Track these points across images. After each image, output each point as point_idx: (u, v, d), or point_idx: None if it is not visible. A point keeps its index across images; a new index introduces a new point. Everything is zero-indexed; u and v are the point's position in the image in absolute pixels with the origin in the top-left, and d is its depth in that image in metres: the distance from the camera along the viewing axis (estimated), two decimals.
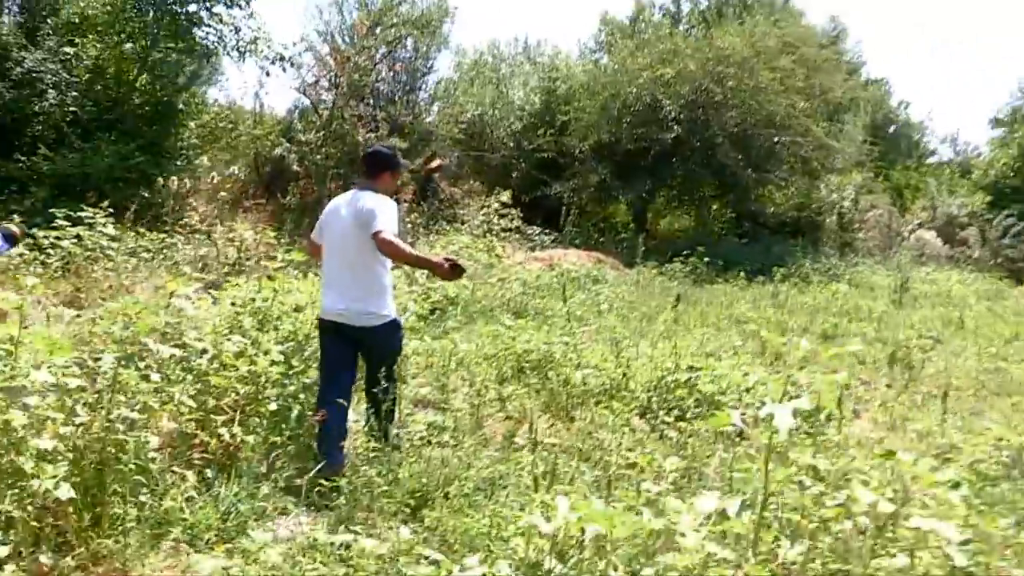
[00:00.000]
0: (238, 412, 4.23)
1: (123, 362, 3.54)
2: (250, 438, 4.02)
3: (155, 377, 3.64)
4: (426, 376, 6.71)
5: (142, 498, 3.38)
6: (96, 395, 3.44)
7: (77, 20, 15.62)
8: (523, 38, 30.82)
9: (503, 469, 4.29)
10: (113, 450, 3.21)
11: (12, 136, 14.24)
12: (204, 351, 4.26)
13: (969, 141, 52.34)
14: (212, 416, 4.05)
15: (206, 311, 6.04)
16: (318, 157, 16.23)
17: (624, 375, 6.19)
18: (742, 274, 16.48)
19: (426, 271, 6.02)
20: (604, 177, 21.57)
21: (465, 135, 22.90)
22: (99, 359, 3.53)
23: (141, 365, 3.78)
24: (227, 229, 12.01)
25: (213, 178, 16.61)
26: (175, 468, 3.71)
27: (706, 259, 17.31)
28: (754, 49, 20.44)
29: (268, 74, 16.18)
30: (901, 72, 73.30)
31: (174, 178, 14.32)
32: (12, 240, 2.88)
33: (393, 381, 4.62)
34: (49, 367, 3.22)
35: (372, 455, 4.21)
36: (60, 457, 3.05)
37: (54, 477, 2.86)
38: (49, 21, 15.58)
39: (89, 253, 9.30)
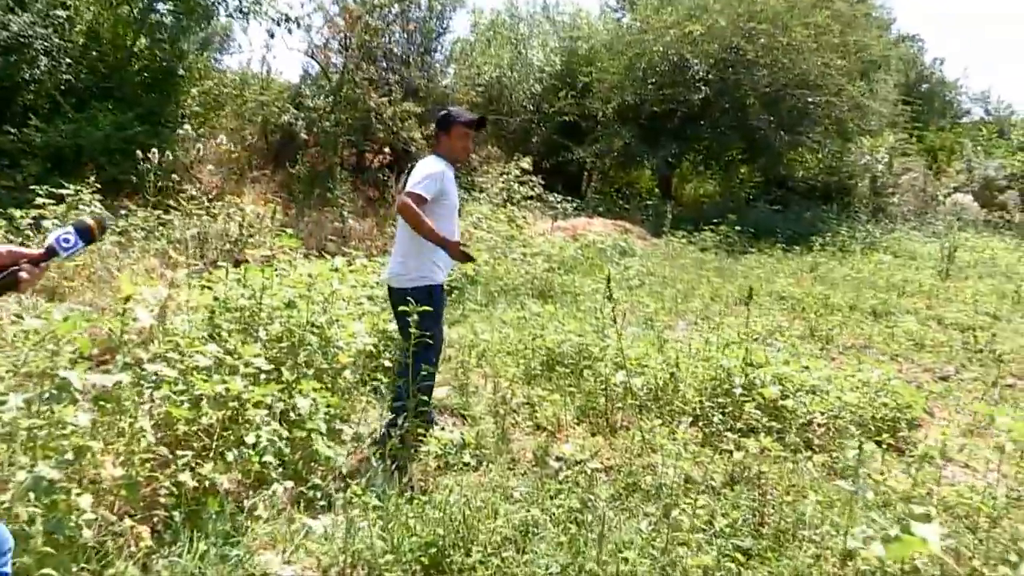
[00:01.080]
0: (215, 439, 3.45)
1: (44, 399, 2.75)
2: (223, 479, 3.24)
3: (83, 420, 2.82)
4: (442, 373, 5.90)
5: None
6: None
7: None
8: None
9: (536, 515, 3.47)
10: (25, 526, 2.41)
11: (3, 106, 13.42)
12: (155, 376, 3.46)
13: (1003, 99, 50.81)
14: (177, 451, 3.26)
15: (194, 302, 5.27)
16: (327, 124, 15.33)
17: (672, 375, 5.35)
18: (778, 244, 15.57)
19: None
20: (628, 141, 20.59)
21: (482, 98, 21.96)
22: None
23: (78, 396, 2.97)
24: (227, 203, 11.19)
25: (220, 146, 15.73)
26: (129, 518, 2.93)
27: (737, 227, 16.42)
28: (787, 3, 19.29)
29: (272, 35, 15.33)
30: (932, 28, 71.13)
31: (170, 149, 13.49)
32: (88, 235, 2.10)
33: (417, 363, 4.31)
34: None
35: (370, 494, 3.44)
36: None
37: None
38: None
39: None
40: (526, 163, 18.00)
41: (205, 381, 3.46)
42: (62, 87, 13.97)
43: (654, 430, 4.63)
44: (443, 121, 4.92)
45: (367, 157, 19.18)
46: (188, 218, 10.37)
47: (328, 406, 4.01)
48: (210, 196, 13.06)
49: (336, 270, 7.89)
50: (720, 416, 5.02)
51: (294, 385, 4.08)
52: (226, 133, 17.20)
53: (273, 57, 26.97)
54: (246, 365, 3.79)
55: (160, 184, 11.81)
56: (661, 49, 19.79)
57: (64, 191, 8.67)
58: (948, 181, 27.83)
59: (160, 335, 4.22)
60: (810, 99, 19.79)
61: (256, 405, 3.56)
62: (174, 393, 3.47)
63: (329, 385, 4.73)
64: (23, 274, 2.05)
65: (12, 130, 12.84)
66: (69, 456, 2.78)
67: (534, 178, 17.65)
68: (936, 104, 35.28)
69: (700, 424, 4.99)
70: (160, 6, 14.55)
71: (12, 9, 13.65)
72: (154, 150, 10.54)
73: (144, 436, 3.06)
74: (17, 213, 8.26)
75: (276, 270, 6.70)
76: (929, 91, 35.26)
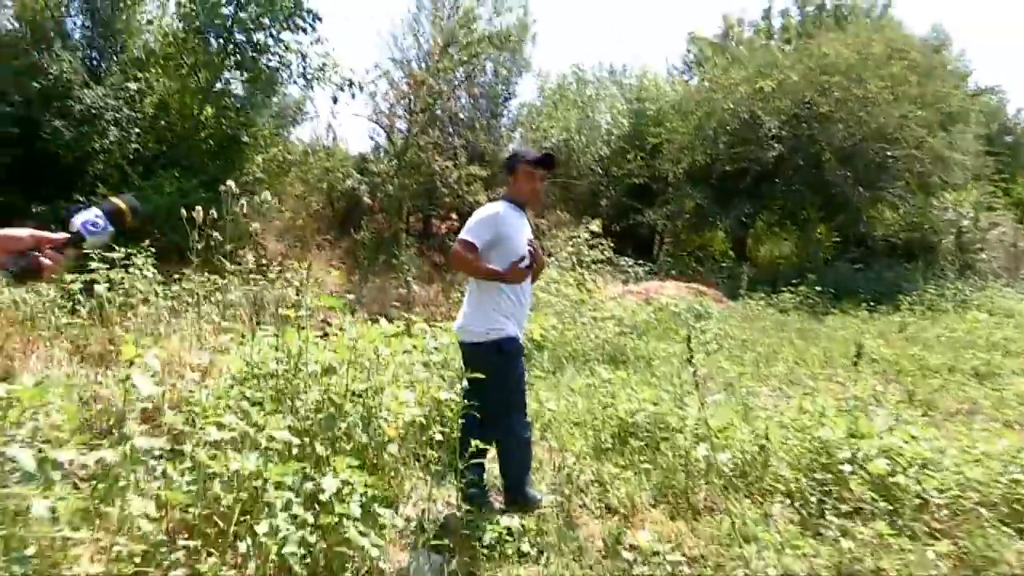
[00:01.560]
0: (231, 526, 2.98)
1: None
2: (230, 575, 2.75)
3: (39, 508, 2.34)
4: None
5: None
6: None
7: (142, 55, 14.97)
8: (608, 63, 29.53)
9: None
10: None
11: (75, 175, 13.54)
12: (155, 452, 3.00)
13: None
14: (178, 541, 2.79)
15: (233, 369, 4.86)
16: (390, 188, 15.15)
17: (762, 448, 4.73)
18: (862, 304, 14.75)
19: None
20: (700, 202, 20.08)
21: None
22: None
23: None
24: (286, 267, 10.93)
25: (285, 212, 15.69)
26: None
27: (817, 287, 15.63)
28: (860, 55, 18.69)
29: (336, 101, 15.26)
30: (1014, 79, 69.19)
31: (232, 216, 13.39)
32: (119, 219, 1.75)
33: (494, 426, 4.27)
34: None
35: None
36: None
37: None
38: (115, 58, 14.97)
39: (124, 299, 8.28)
40: (596, 225, 17.58)
41: (213, 458, 2.99)
42: (130, 156, 14.09)
43: (744, 513, 4.02)
44: (509, 162, 4.72)
45: (434, 223, 18.98)
46: (245, 283, 10.11)
47: (366, 486, 3.51)
48: (273, 264, 12.89)
49: (393, 335, 7.50)
50: (820, 496, 4.38)
51: (327, 462, 3.60)
52: (292, 200, 17.20)
53: (339, 125, 27.26)
54: (270, 439, 3.33)
55: (224, 250, 11.64)
56: (731, 107, 19.33)
57: (115, 255, 8.46)
58: None
59: (184, 405, 3.79)
60: (889, 153, 19.04)
61: (277, 486, 3.07)
62: (180, 472, 3.01)
63: (373, 461, 4.25)
64: (45, 260, 1.92)
65: (81, 198, 12.90)
66: (30, 551, 2.33)
67: (604, 241, 17.21)
68: (1021, 156, 33.89)
69: (796, 505, 4.34)
70: (227, 75, 14.64)
71: (87, 84, 13.88)
72: (212, 211, 10.34)
73: (135, 524, 2.60)
74: (68, 278, 8.07)
75: (325, 334, 6.30)
76: (1015, 142, 33.90)
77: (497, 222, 4.35)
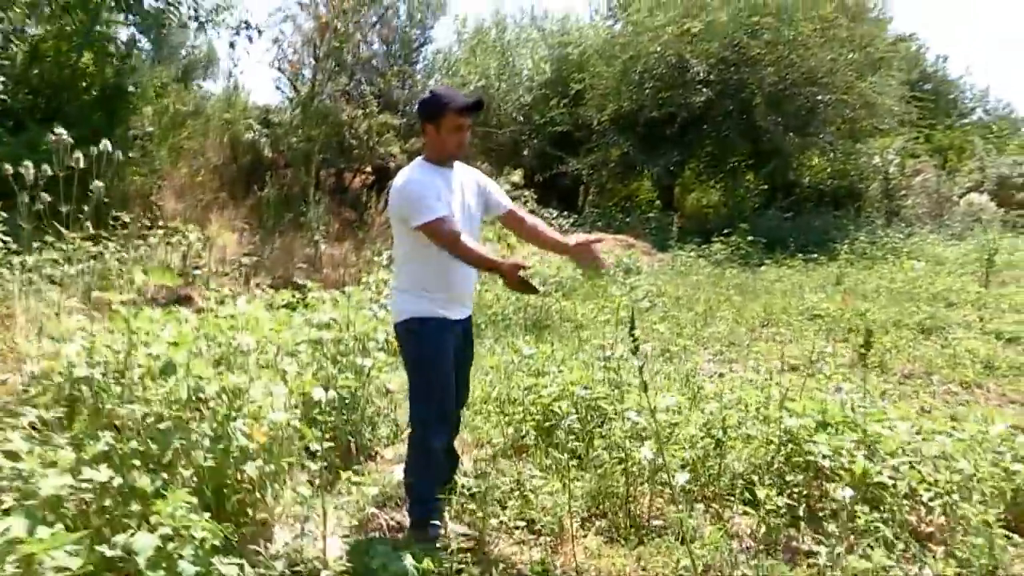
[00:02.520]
0: None
1: None
2: None
3: None
4: (403, 440, 4.47)
5: None
6: None
7: None
8: (529, 8, 28.33)
9: None
10: None
11: None
12: None
13: (1001, 98, 49.59)
14: None
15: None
16: (293, 139, 13.92)
17: (718, 443, 3.90)
18: (797, 255, 14.15)
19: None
20: (626, 150, 19.25)
21: None
22: None
23: None
24: (171, 230, 9.78)
25: (179, 169, 14.36)
26: None
27: (748, 237, 14.99)
28: None
29: (233, 46, 13.89)
30: (930, 28, 69.78)
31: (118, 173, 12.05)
32: None
33: (417, 419, 3.57)
34: None
35: None
36: None
37: None
38: None
39: None
40: (517, 176, 16.73)
41: None
42: (1, 110, 12.59)
43: (701, 531, 3.19)
44: (429, 108, 3.54)
45: (347, 178, 17.76)
46: (124, 249, 8.91)
47: (206, 533, 2.57)
48: (168, 226, 11.71)
49: (285, 306, 6.47)
50: (789, 501, 3.57)
51: (154, 501, 2.64)
52: (191, 156, 15.84)
53: (240, 72, 25.64)
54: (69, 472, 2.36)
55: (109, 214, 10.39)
56: (658, 50, 18.40)
57: None
58: (961, 181, 26.44)
59: None
60: (819, 97, 18.40)
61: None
62: None
63: (230, 483, 3.30)
64: None
65: None
66: None
67: (526, 192, 16.34)
68: (941, 103, 33.88)
69: (763, 515, 3.51)
70: (107, 16, 13.10)
71: None
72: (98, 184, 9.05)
73: None
74: None
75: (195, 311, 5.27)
76: (933, 90, 33.83)
77: (436, 189, 3.44)
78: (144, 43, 14.70)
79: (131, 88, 13.28)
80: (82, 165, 5.88)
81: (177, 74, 18.15)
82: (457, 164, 3.68)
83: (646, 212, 20.04)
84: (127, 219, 9.01)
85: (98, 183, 5.37)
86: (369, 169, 17.63)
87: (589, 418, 4.47)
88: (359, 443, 4.65)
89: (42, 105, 13.05)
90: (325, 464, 3.82)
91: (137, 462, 3.02)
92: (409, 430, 3.62)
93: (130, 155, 13.07)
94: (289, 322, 5.59)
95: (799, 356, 7.34)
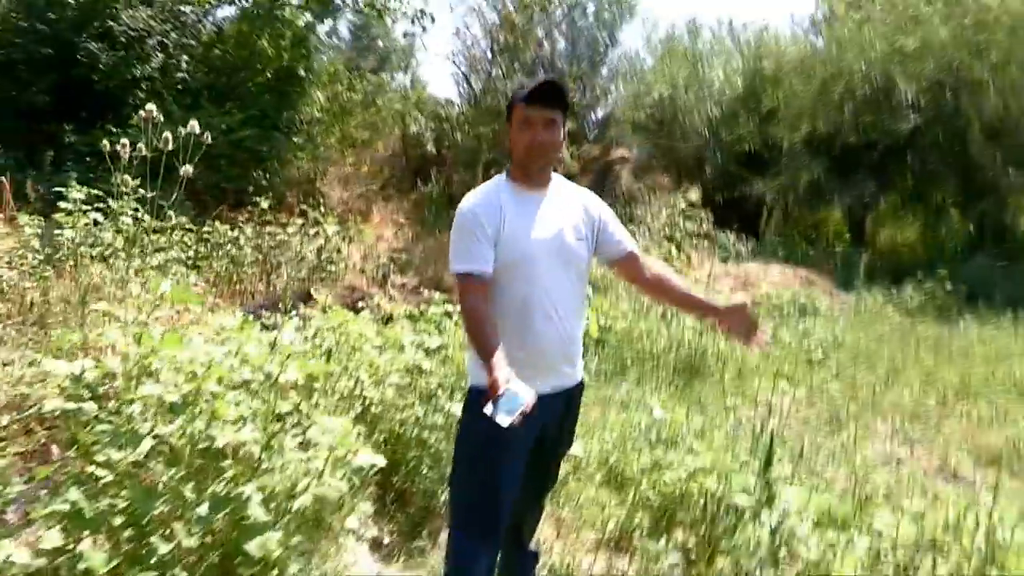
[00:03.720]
0: None
1: None
2: None
3: None
4: None
5: None
6: None
7: None
8: (727, 20, 26.86)
9: None
10: None
11: (114, 104, 12.25)
12: None
13: None
14: None
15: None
16: (459, 136, 13.40)
17: None
18: (1007, 311, 12.22)
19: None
20: (817, 175, 17.66)
21: (651, 120, 19.64)
22: None
23: None
24: (310, 221, 9.37)
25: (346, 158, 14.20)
26: None
27: (947, 285, 13.23)
28: None
29: (406, 35, 13.54)
30: None
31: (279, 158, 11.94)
32: None
33: (455, 531, 2.77)
34: None
35: None
36: None
37: None
38: None
39: (97, 250, 6.77)
40: (694, 194, 15.66)
41: None
42: (178, 86, 12.75)
43: None
44: (508, 103, 2.78)
45: None
46: (259, 237, 8.53)
47: None
48: (337, 213, 11.51)
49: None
50: None
51: None
52: (361, 146, 15.72)
53: (417, 65, 25.53)
54: None
55: (269, 198, 10.19)
56: (863, 69, 16.73)
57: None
58: None
59: None
60: None
61: None
62: None
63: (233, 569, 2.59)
64: None
65: (115, 130, 11.66)
66: None
67: (703, 213, 15.24)
68: None
69: None
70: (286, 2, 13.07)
71: (132, 4, 12.56)
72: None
73: None
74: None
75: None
76: None
77: (476, 225, 2.62)
78: (344, 32, 14.72)
79: (301, 73, 13.16)
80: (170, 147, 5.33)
81: (375, 65, 18.23)
82: (560, 183, 2.84)
83: (832, 245, 18.38)
84: (265, 205, 8.62)
85: (187, 167, 4.83)
86: None
87: (717, 518, 3.50)
88: (433, 508, 3.89)
89: (218, 85, 13.14)
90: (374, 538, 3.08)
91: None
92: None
93: (294, 139, 12.99)
94: (397, 341, 4.94)
95: (1001, 444, 6.02)
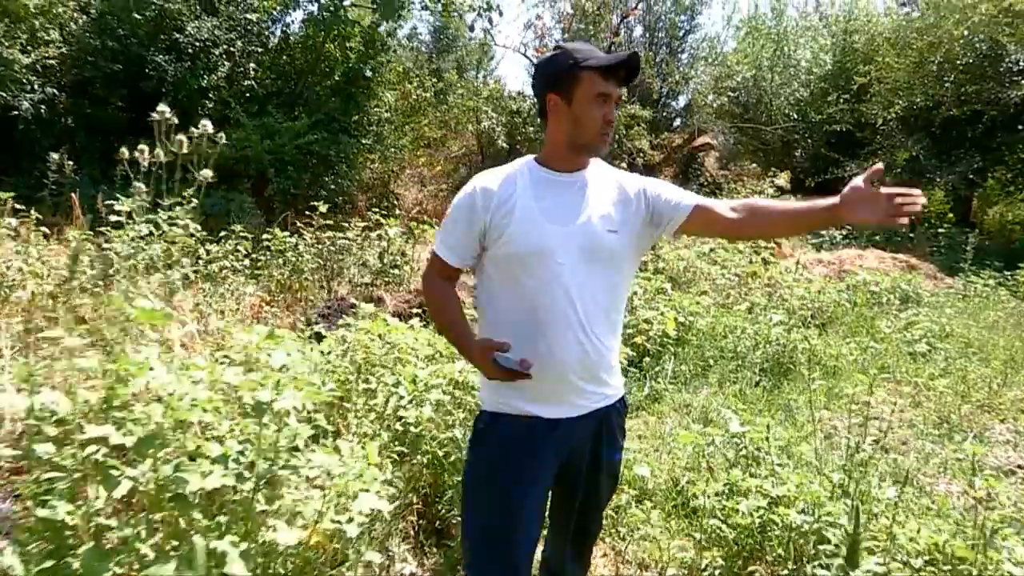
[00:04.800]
0: None
1: None
2: None
3: None
4: None
5: None
6: None
7: None
8: None
9: None
10: None
11: (186, 116, 12.16)
12: None
13: None
14: None
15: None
16: (531, 129, 12.93)
17: None
18: None
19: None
20: (916, 153, 16.60)
21: (736, 105, 18.78)
22: None
23: None
24: (373, 224, 9.00)
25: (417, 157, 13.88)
26: None
27: None
28: None
29: (472, 29, 13.08)
30: None
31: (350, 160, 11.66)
32: None
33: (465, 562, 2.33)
34: None
35: None
36: None
37: None
38: None
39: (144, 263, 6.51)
40: (783, 179, 14.85)
41: None
42: (246, 94, 12.62)
43: None
44: (554, 67, 2.20)
45: None
46: (319, 242, 8.20)
47: None
48: (394, 218, 11.16)
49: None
50: None
51: None
52: (434, 144, 15.41)
53: (490, 60, 24.96)
54: None
55: (338, 200, 9.92)
56: (965, 35, 15.58)
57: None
58: None
59: None
60: None
61: None
62: None
63: None
64: None
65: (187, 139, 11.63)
66: None
67: (793, 199, 14.39)
68: None
69: None
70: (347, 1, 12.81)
71: (198, 15, 12.47)
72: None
73: None
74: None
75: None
76: None
77: (472, 208, 2.21)
78: (424, 34, 14.46)
79: (367, 73, 12.85)
80: (184, 149, 4.95)
81: (454, 64, 18.01)
82: (596, 166, 2.31)
83: (935, 227, 17.22)
84: (324, 208, 8.28)
85: (207, 172, 4.48)
86: (624, 166, 16.46)
87: (804, 557, 2.92)
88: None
89: (286, 91, 12.97)
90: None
91: None
92: None
93: (363, 141, 12.71)
94: (448, 350, 4.55)
95: None
